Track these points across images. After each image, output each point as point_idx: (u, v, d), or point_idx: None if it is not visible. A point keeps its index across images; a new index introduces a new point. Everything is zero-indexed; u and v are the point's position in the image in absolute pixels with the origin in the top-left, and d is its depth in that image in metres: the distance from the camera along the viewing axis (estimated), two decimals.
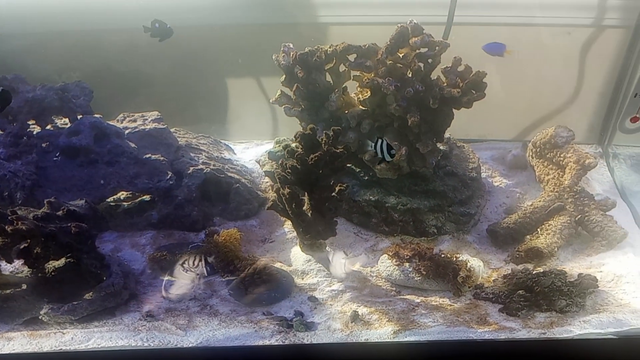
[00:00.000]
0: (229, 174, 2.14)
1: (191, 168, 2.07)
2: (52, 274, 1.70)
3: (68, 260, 1.71)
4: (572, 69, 2.47)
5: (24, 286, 1.71)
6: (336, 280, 1.92)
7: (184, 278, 1.86)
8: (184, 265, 1.90)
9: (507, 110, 2.53)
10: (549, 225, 2.02)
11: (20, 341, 1.60)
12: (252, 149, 2.47)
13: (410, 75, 1.94)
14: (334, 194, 1.86)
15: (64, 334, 1.64)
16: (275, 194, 1.90)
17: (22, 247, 1.65)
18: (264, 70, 2.15)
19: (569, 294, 1.80)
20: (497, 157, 2.45)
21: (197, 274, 1.87)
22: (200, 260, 1.90)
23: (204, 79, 2.45)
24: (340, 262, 1.96)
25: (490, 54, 2.08)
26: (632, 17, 2.21)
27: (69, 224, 1.69)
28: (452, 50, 2.14)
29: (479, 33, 2.43)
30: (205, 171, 2.08)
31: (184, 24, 2.29)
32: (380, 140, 1.79)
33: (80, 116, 2.05)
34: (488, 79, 2.45)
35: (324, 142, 1.79)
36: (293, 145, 1.83)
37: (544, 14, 2.40)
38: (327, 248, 2.03)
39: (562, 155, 2.09)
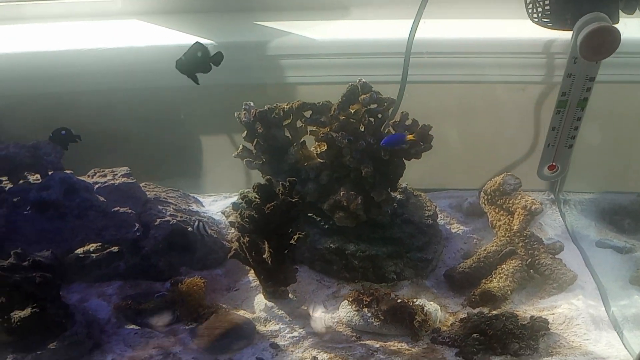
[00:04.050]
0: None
1: (158, 220, 2.15)
2: (18, 323, 1.73)
3: (33, 310, 1.75)
4: (528, 122, 2.61)
5: None
6: (298, 326, 1.97)
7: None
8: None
9: (465, 161, 2.65)
10: (502, 269, 2.09)
11: None
12: (220, 201, 2.56)
13: (362, 130, 2.07)
14: (292, 241, 1.94)
15: None
16: (237, 243, 1.98)
17: None
18: (232, 127, 2.28)
19: (522, 337, 1.85)
20: (454, 205, 2.54)
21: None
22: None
23: (176, 136, 2.58)
24: (321, 318, 2.01)
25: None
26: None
27: (34, 274, 1.75)
28: (409, 107, 2.27)
29: (435, 90, 2.58)
30: (171, 222, 2.16)
31: (158, 85, 2.45)
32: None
33: (51, 172, 2.14)
34: (447, 133, 2.59)
35: (280, 192, 1.89)
36: (251, 195, 1.92)
37: (497, 72, 2.55)
38: (290, 295, 2.09)
39: (511, 202, 2.19)
